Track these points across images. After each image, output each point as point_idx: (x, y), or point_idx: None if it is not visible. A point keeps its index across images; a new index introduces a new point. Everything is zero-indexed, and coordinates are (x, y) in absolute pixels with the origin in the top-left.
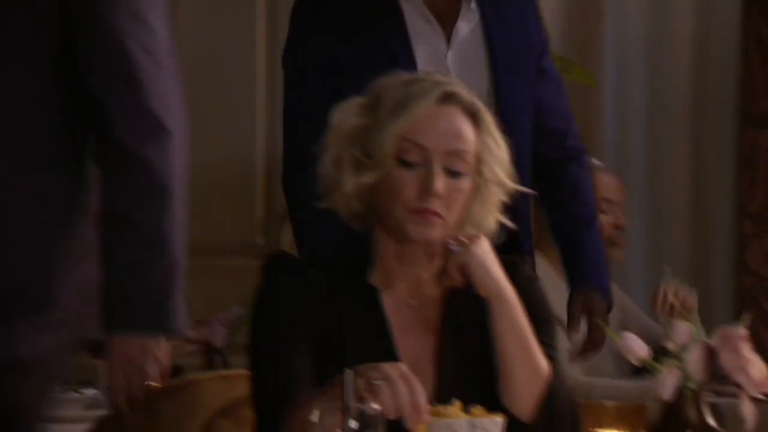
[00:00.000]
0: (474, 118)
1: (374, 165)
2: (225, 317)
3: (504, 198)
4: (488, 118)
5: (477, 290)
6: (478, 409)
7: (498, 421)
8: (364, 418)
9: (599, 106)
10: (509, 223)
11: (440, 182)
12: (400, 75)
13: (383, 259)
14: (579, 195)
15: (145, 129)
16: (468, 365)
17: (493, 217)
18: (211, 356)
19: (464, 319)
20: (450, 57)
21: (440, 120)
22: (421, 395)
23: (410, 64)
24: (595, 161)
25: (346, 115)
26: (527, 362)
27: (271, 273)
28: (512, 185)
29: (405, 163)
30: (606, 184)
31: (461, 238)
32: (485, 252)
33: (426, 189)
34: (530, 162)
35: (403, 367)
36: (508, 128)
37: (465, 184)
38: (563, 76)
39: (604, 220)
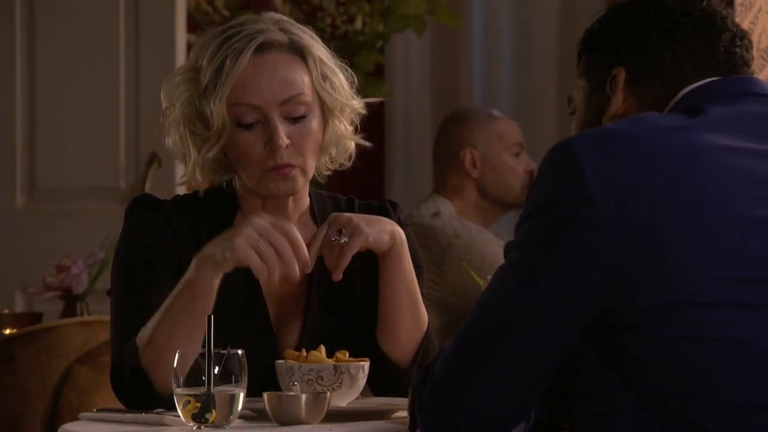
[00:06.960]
0: (300, 54)
1: (215, 135)
2: (86, 262)
3: (357, 117)
4: (315, 51)
5: (379, 253)
6: (342, 354)
7: (362, 365)
8: (224, 361)
9: (467, 47)
10: (366, 143)
11: (282, 135)
12: (216, 31)
13: (249, 209)
14: None
15: None
16: (334, 312)
17: (349, 139)
18: (73, 303)
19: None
20: None
21: (263, 73)
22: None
23: None
24: (495, 112)
25: (174, 89)
26: (413, 310)
27: (133, 214)
28: (359, 103)
29: (244, 126)
30: (516, 129)
31: (341, 229)
32: (369, 223)
33: (271, 145)
34: None
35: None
36: None
37: (311, 124)
38: (429, 18)
39: (520, 165)
